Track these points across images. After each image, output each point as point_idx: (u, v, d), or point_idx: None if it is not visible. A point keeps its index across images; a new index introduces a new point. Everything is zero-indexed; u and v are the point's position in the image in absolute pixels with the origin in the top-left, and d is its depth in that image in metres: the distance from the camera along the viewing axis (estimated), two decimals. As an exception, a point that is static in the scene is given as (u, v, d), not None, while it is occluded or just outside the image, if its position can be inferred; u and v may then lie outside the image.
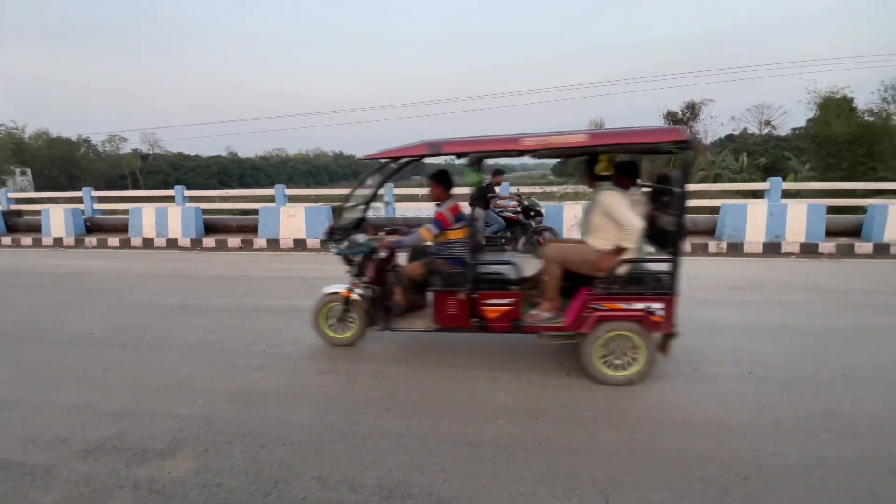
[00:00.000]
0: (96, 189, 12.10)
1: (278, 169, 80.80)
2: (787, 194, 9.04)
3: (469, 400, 3.02)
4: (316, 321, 3.91)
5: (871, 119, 16.63)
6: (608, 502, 2.09)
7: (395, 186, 10.84)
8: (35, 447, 2.60)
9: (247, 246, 9.50)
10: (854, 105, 16.95)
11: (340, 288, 3.78)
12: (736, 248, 7.94)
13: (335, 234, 3.65)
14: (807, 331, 4.13)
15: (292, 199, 11.58)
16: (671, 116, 24.89)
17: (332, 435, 2.65)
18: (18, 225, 11.52)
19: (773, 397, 2.99)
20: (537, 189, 12.06)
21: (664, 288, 3.06)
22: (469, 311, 3.38)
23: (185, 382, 3.36)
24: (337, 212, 3.67)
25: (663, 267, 3.12)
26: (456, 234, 3.67)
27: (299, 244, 9.31)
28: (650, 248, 3.53)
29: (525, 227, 7.67)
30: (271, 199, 10.59)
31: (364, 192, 4.14)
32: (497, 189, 7.66)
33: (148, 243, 9.90)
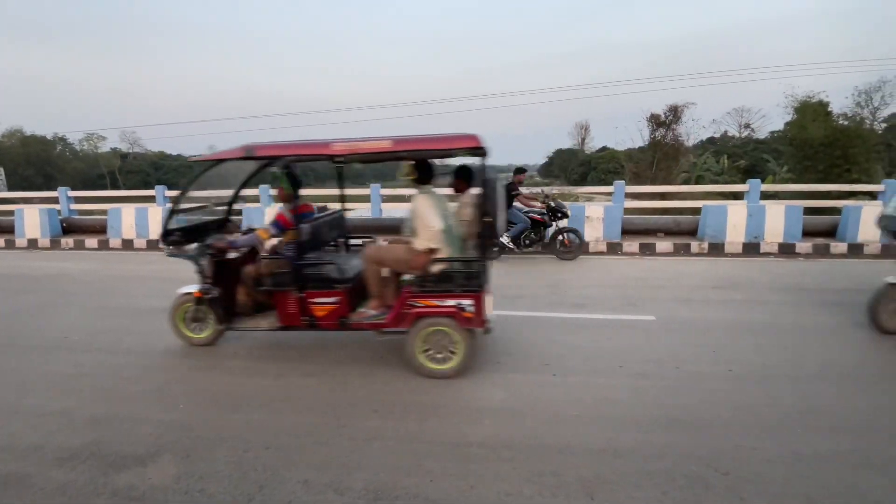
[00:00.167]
0: (73, 189, 11.77)
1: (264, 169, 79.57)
2: (765, 196, 9.26)
3: (455, 401, 3.02)
4: (173, 322, 3.92)
5: (846, 123, 17.20)
6: (593, 500, 2.11)
7: (383, 187, 10.80)
8: (8, 455, 2.51)
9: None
10: (829, 109, 17.50)
11: (194, 288, 3.78)
12: (717, 249, 8.11)
13: (170, 236, 3.60)
14: (785, 329, 4.23)
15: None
16: (654, 119, 25.31)
17: (317, 438, 2.62)
18: (-10, 226, 11.13)
19: (752, 394, 3.06)
20: (524, 190, 12.12)
21: (473, 285, 3.20)
22: (300, 310, 3.48)
23: (166, 387, 3.29)
24: (170, 213, 3.68)
25: (474, 266, 3.27)
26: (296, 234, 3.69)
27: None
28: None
29: (548, 227, 7.51)
30: (257, 199, 10.45)
31: (207, 193, 4.20)
32: (520, 188, 7.53)
33: (127, 244, 9.67)
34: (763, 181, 10.35)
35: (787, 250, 7.97)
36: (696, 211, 9.07)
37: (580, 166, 35.02)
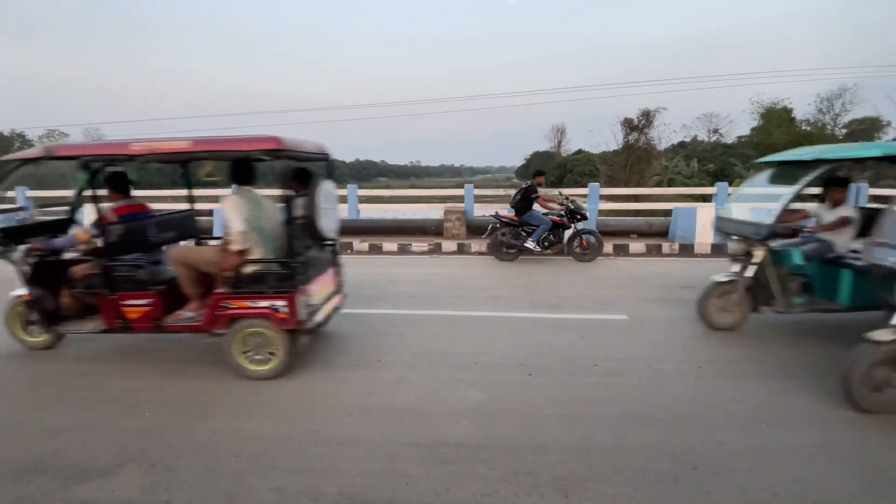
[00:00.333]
0: (31, 189, 11.22)
1: (236, 169, 77.58)
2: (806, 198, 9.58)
3: (432, 403, 3.01)
4: (8, 326, 3.83)
5: (809, 129, 18.01)
6: (567, 497, 2.14)
7: (359, 188, 10.70)
8: (-44, 471, 2.37)
9: (201, 249, 9.09)
10: (793, 116, 18.31)
11: (24, 291, 3.68)
12: (687, 249, 8.36)
13: None
14: (751, 327, 4.39)
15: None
16: (628, 123, 25.94)
17: (290, 444, 2.56)
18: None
19: (720, 390, 3.15)
20: (501, 192, 12.21)
21: (286, 286, 3.22)
22: (114, 312, 3.46)
23: (130, 395, 3.16)
24: None
25: (286, 267, 3.25)
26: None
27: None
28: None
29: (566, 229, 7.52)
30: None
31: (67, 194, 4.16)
32: (540, 190, 7.54)
33: (91, 246, 9.28)
34: (730, 184, 10.74)
35: (752, 251, 8.26)
36: (668, 213, 9.33)
37: (556, 168, 35.50)
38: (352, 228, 9.74)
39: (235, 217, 3.24)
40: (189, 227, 4.49)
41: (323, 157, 3.88)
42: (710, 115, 35.93)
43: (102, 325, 3.53)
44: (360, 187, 11.07)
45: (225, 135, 3.20)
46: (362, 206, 10.67)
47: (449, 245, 8.76)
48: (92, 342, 4.07)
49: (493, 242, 7.68)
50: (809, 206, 4.66)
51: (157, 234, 3.90)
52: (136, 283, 3.44)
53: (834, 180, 4.34)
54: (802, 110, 22.35)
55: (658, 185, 21.28)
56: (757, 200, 4.35)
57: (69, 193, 6.99)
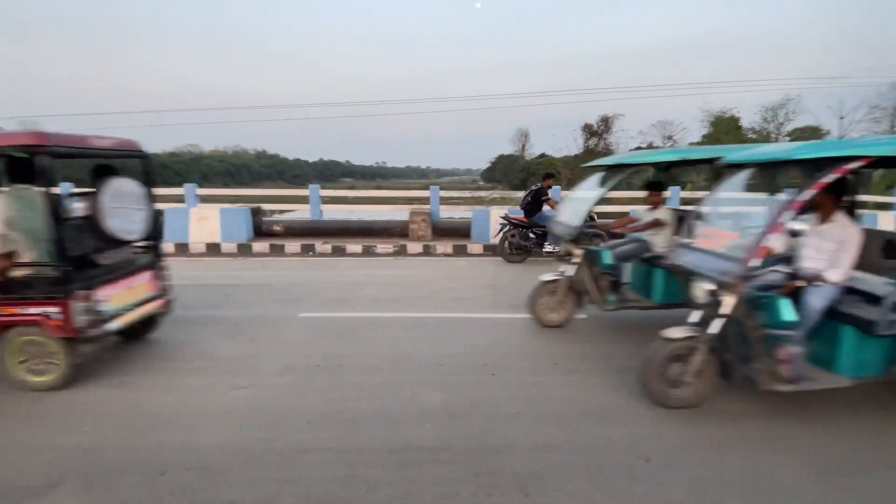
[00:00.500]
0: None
1: (190, 167, 74.33)
2: (685, 201, 10.10)
3: (395, 406, 2.98)
4: None
5: (754, 137, 19.20)
6: (528, 496, 2.16)
7: (322, 188, 10.48)
8: None
9: (152, 251, 8.61)
10: (740, 124, 19.48)
11: None
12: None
13: None
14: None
15: (206, 199, 10.73)
16: (588, 128, 26.79)
17: (245, 455, 2.46)
18: None
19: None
20: (466, 194, 12.29)
21: (59, 292, 3.04)
22: None
23: (68, 408, 2.94)
24: None
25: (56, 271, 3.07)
26: None
27: (213, 249, 8.63)
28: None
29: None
30: (180, 199, 9.72)
31: None
32: (549, 192, 7.66)
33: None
34: (683, 188, 11.28)
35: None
36: (625, 215, 9.68)
37: (521, 171, 36.17)
38: (314, 230, 9.52)
39: None
40: None
41: (130, 155, 3.70)
42: (664, 123, 37.66)
43: None
44: (324, 187, 10.84)
45: None
46: (326, 207, 10.45)
47: (414, 247, 8.72)
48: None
49: (501, 244, 7.68)
50: (637, 210, 4.99)
51: None
52: None
53: (652, 184, 4.64)
54: (749, 119, 23.80)
55: (616, 188, 22.09)
56: (578, 204, 4.58)
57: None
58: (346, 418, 2.82)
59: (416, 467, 2.36)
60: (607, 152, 25.82)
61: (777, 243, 3.06)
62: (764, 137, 19.67)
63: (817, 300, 2.76)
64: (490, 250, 7.64)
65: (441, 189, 10.45)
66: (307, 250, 8.68)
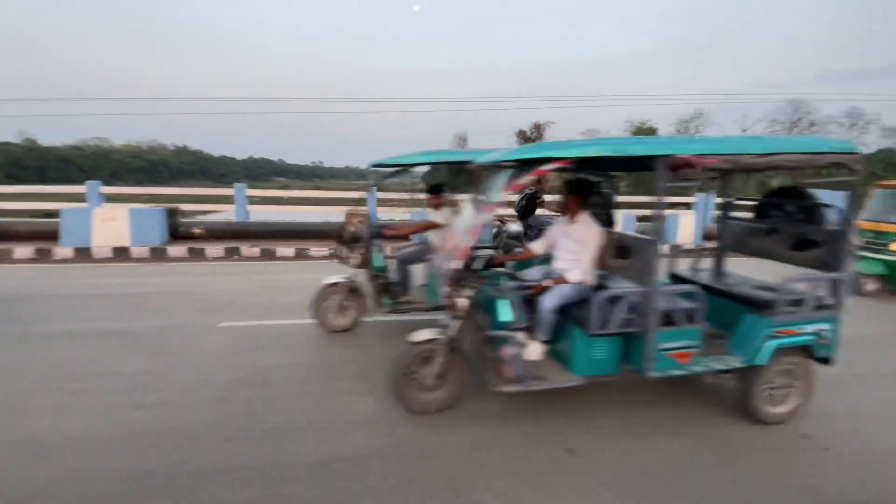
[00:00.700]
0: None
1: (97, 162, 66.95)
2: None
3: (324, 417, 2.86)
4: None
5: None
6: (458, 497, 2.17)
7: (251, 188, 9.89)
8: None
9: (43, 256, 7.60)
10: (658, 135, 21.22)
11: None
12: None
13: None
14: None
15: (115, 199, 9.72)
16: (521, 135, 27.79)
17: (151, 481, 2.23)
18: None
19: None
20: (405, 196, 12.17)
21: None
22: None
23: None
24: None
25: None
26: None
27: (121, 253, 7.81)
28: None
29: None
30: (81, 198, 8.71)
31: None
32: (544, 196, 7.86)
33: None
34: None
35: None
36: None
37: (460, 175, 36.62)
38: (241, 232, 8.95)
39: None
40: None
41: None
42: (591, 132, 40.11)
43: None
44: (254, 187, 10.24)
45: None
46: (255, 208, 9.88)
47: (348, 249, 8.49)
48: None
49: (496, 245, 7.92)
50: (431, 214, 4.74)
51: None
52: None
53: (433, 187, 4.69)
54: (665, 130, 26.00)
55: (550, 192, 23.14)
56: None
57: None
58: (270, 433, 2.66)
59: (345, 479, 2.28)
60: (539, 157, 26.98)
61: (538, 245, 3.22)
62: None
63: (549, 300, 2.80)
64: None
65: (379, 190, 10.30)
66: (232, 254, 8.14)
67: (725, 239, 3.64)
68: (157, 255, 7.85)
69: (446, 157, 4.51)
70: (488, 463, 2.43)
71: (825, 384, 3.46)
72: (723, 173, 2.80)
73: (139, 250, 7.84)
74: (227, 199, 9.67)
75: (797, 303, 2.76)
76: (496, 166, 2.64)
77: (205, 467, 2.34)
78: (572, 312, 2.78)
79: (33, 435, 2.58)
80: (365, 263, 4.18)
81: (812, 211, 3.03)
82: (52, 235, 8.00)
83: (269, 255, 8.21)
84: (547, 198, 8.29)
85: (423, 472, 2.34)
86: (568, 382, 2.70)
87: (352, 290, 4.26)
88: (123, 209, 8.06)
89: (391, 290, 4.22)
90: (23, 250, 7.55)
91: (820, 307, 2.80)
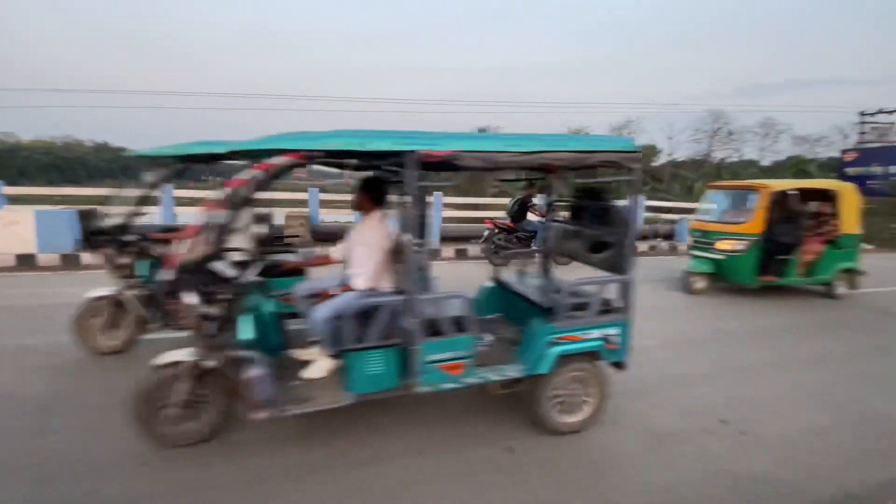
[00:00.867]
0: None
1: (2, 159, 59.87)
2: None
3: (257, 432, 2.68)
4: None
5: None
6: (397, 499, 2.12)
7: (176, 189, 9.22)
8: None
9: (-73, 265, 6.61)
10: (592, 140, 22.65)
11: None
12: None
13: None
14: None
15: (20, 199, 8.70)
16: (468, 137, 28.10)
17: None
18: None
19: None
20: (349, 197, 11.91)
21: None
22: None
23: None
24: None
25: None
26: None
27: (25, 261, 6.97)
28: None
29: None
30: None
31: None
32: (534, 200, 8.10)
33: None
34: (549, 196, 12.49)
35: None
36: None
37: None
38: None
39: None
40: None
41: None
42: (535, 136, 41.56)
43: None
44: (182, 187, 9.56)
45: None
46: (183, 210, 9.22)
47: (290, 253, 8.15)
48: None
49: (487, 247, 8.01)
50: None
51: None
52: None
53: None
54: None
55: (495, 196, 23.61)
56: (124, 206, 3.77)
57: None
58: (198, 453, 2.44)
59: (279, 496, 2.15)
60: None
61: (336, 250, 2.94)
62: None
63: (322, 310, 2.45)
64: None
65: (321, 191, 10.00)
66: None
67: (549, 241, 3.57)
68: (70, 262, 7.10)
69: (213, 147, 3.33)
70: (432, 467, 2.40)
71: (741, 371, 3.78)
72: (491, 171, 2.39)
73: (48, 257, 7.05)
74: (154, 201, 8.96)
75: (581, 307, 2.65)
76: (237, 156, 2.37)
77: (123, 495, 2.11)
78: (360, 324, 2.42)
79: None
80: (129, 272, 3.50)
81: (607, 212, 2.90)
82: (-63, 241, 6.97)
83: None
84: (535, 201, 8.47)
85: (363, 482, 2.27)
86: (337, 403, 2.34)
87: (119, 303, 3.53)
88: (29, 211, 7.23)
89: (159, 302, 3.42)
90: None
91: (607, 311, 2.72)
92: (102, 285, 3.68)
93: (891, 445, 2.80)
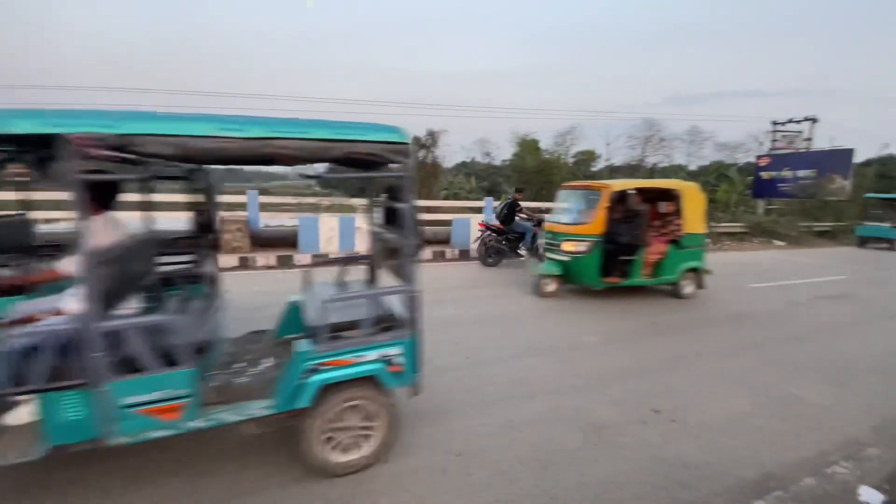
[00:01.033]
0: None
1: None
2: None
3: (196, 445, 2.48)
4: None
5: (549, 156, 23.12)
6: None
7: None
8: None
9: None
10: (539, 146, 23.20)
11: None
12: (465, 254, 9.47)
13: None
14: (504, 317, 5.17)
15: None
16: (416, 141, 28.14)
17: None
18: None
19: (481, 375, 3.58)
20: (293, 200, 11.45)
21: None
22: None
23: None
24: None
25: None
26: None
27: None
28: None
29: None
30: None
31: None
32: (521, 203, 8.61)
33: None
34: (497, 199, 12.74)
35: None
36: (449, 223, 10.42)
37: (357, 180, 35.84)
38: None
39: None
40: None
41: None
42: (483, 141, 42.33)
43: None
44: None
45: None
46: (158, 215, 8.41)
47: (228, 259, 7.70)
48: None
49: (480, 249, 8.39)
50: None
51: None
52: None
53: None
54: (546, 142, 28.56)
55: (447, 198, 23.76)
56: None
57: None
58: (113, 474, 2.21)
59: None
60: (435, 165, 27.60)
61: (68, 262, 2.16)
62: (556, 158, 23.78)
63: (16, 340, 1.90)
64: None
65: (261, 194, 9.55)
66: (76, 269, 6.83)
67: (375, 246, 3.06)
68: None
69: None
70: (382, 474, 2.32)
71: (671, 361, 4.00)
72: (182, 161, 2.04)
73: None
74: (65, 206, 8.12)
75: (350, 326, 2.26)
76: None
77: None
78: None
79: None
80: None
81: (398, 215, 2.42)
82: None
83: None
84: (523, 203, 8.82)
85: (303, 498, 2.15)
86: (25, 457, 1.84)
87: None
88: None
89: None
90: None
91: (387, 328, 2.31)
92: None
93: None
